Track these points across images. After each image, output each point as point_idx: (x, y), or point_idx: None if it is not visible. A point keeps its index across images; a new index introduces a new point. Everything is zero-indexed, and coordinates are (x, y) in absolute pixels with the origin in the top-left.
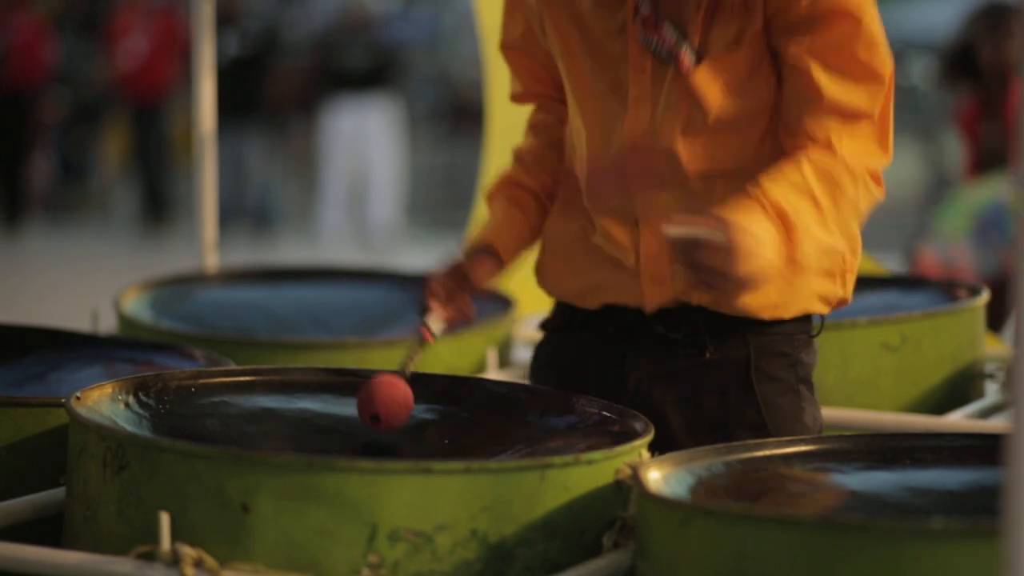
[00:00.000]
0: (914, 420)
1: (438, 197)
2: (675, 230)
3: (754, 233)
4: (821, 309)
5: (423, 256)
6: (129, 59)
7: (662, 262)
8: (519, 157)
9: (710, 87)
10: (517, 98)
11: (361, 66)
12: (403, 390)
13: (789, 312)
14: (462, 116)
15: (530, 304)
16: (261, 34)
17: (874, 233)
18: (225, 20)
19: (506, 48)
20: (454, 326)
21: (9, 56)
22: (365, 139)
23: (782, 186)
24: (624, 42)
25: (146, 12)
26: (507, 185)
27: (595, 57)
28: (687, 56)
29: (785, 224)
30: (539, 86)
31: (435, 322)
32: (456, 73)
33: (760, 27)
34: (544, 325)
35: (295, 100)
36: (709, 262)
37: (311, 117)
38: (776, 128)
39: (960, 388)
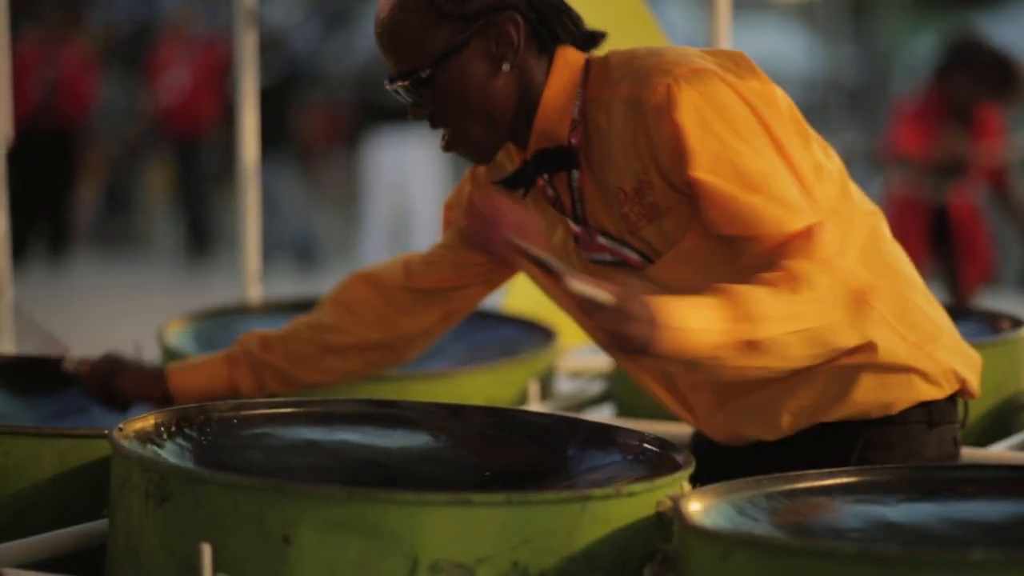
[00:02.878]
0: None
1: None
2: (576, 286)
3: (652, 302)
4: (932, 394)
5: None
6: (171, 92)
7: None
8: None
9: (672, 276)
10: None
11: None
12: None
13: (894, 409)
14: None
15: (572, 336)
16: (285, 66)
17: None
18: (266, 51)
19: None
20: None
21: (56, 90)
22: (407, 172)
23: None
24: (573, 258)
25: (188, 44)
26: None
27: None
28: (633, 257)
29: (734, 305)
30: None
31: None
32: None
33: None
34: None
35: (331, 133)
36: (605, 324)
37: (353, 150)
38: None
39: (1003, 420)
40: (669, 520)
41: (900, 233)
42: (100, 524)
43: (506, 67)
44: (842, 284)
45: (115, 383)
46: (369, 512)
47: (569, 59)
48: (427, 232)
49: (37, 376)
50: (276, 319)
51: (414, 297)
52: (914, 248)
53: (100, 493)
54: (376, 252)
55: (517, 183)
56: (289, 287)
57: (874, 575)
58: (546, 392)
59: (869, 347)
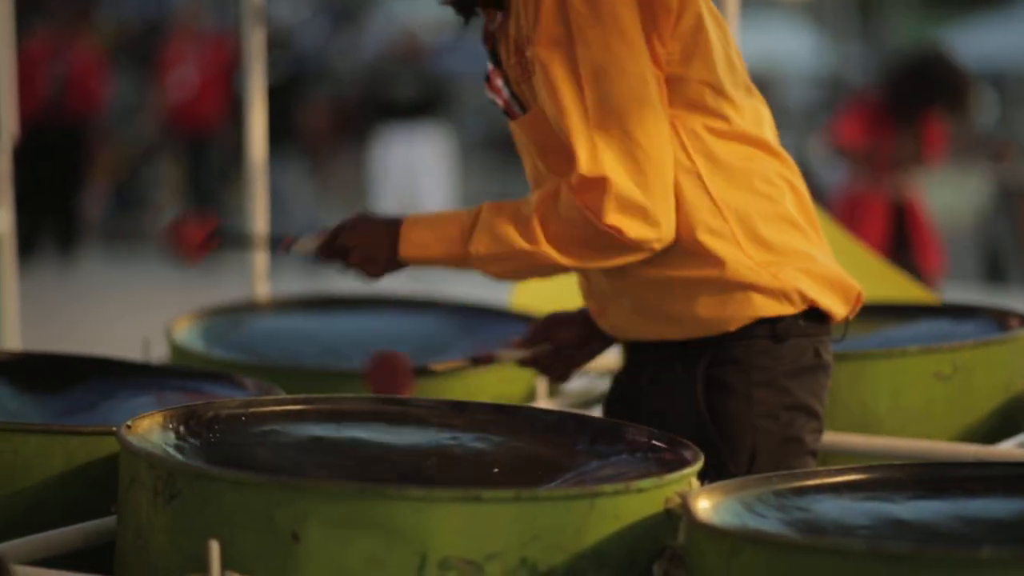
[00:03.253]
0: (965, 449)
1: None
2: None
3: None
4: (774, 310)
5: (474, 285)
6: (180, 89)
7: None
8: None
9: (535, 131)
10: None
11: (412, 96)
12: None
13: (732, 325)
14: (513, 146)
15: None
16: (292, 64)
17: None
18: (274, 48)
19: None
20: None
21: (66, 87)
22: (416, 169)
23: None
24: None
25: (196, 41)
26: None
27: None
28: (513, 108)
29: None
30: None
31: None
32: None
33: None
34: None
35: (339, 130)
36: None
37: (361, 147)
38: None
39: (1012, 417)
40: (678, 517)
41: (858, 226)
42: (108, 521)
43: None
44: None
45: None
46: (378, 509)
47: None
48: None
49: (45, 373)
50: (285, 316)
51: None
52: (873, 242)
53: (108, 490)
54: None
55: (456, 6)
56: (297, 284)
57: (883, 573)
58: (554, 389)
59: (716, 262)
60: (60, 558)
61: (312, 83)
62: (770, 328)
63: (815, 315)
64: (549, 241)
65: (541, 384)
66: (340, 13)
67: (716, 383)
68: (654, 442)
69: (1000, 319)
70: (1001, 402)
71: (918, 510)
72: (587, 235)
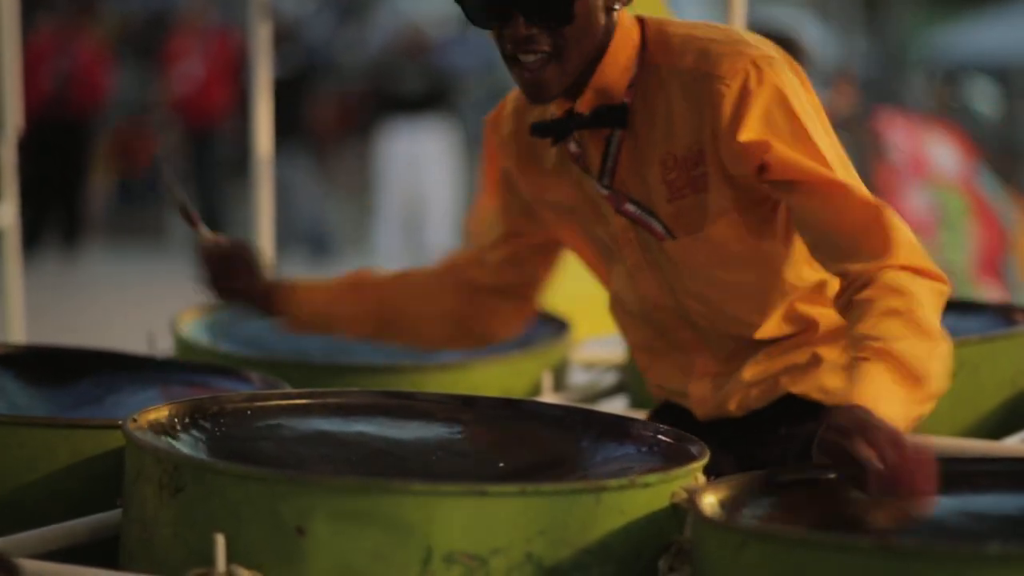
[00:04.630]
0: (972, 444)
1: None
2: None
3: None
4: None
5: None
6: (184, 82)
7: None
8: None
9: (691, 255)
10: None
11: (417, 90)
12: None
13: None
14: None
15: (586, 328)
16: (301, 57)
17: None
18: (280, 42)
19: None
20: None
21: (69, 81)
22: (421, 163)
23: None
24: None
25: (201, 34)
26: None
27: (583, 223)
28: (657, 228)
29: (910, 373)
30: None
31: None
32: None
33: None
34: None
35: (345, 124)
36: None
37: (366, 141)
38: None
39: (1018, 412)
40: (684, 512)
41: None
42: (114, 515)
43: (615, 11)
44: (926, 280)
45: (230, 274)
46: (383, 503)
47: (627, 20)
48: (441, 223)
49: (50, 367)
50: None
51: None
52: None
53: (114, 484)
54: (389, 242)
55: (556, 131)
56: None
57: (890, 568)
58: (560, 383)
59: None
60: (66, 552)
61: (318, 77)
62: None
63: None
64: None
65: (547, 378)
66: (346, 7)
67: None
68: (660, 437)
69: (1005, 314)
70: (1007, 397)
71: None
72: (940, 305)
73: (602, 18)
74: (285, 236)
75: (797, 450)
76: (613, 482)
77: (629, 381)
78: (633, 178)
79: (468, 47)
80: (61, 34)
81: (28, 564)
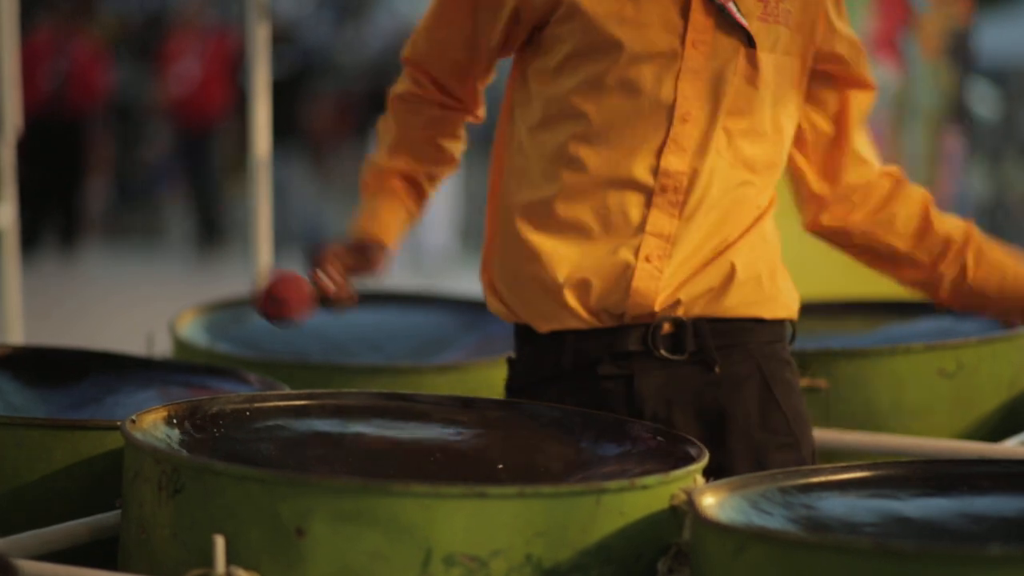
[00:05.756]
0: (970, 447)
1: None
2: None
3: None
4: (793, 314)
5: (477, 281)
6: (182, 83)
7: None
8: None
9: (758, 77)
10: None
11: None
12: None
13: (775, 313)
14: None
15: None
16: (298, 58)
17: None
18: (278, 43)
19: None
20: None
21: (66, 82)
22: None
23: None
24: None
25: (199, 35)
26: (392, 175)
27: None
28: (743, 31)
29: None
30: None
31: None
32: None
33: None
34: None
35: (343, 124)
36: None
37: (364, 142)
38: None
39: (1017, 414)
40: (683, 514)
41: None
42: (113, 516)
43: None
44: None
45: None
46: (382, 504)
47: None
48: (438, 224)
49: (49, 368)
50: None
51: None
52: None
53: (113, 485)
54: None
55: None
56: None
57: (889, 570)
58: None
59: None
60: (64, 553)
61: (316, 78)
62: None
63: None
64: None
65: None
66: (344, 8)
67: (783, 385)
68: (659, 439)
69: None
70: (1005, 399)
71: (923, 507)
72: None
73: None
74: (282, 236)
75: None
76: (612, 484)
77: None
78: None
79: None
80: (59, 34)
81: (27, 565)
